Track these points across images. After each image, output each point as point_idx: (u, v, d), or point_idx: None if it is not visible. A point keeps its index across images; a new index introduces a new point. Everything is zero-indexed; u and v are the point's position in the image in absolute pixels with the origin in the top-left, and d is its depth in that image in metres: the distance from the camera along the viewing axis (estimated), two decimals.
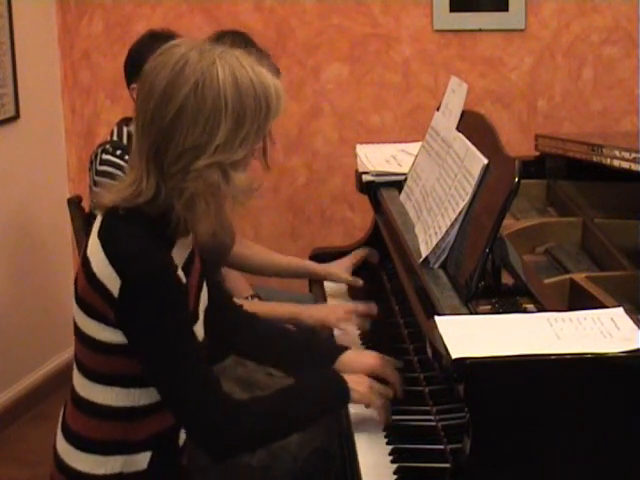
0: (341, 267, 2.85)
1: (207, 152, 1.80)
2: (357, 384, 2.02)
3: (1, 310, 3.79)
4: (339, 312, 2.54)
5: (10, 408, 3.86)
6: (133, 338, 1.86)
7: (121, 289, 1.82)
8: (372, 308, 2.56)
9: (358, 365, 2.14)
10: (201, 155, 1.80)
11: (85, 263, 1.88)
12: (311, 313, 2.57)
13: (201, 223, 1.86)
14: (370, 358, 2.18)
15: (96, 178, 2.98)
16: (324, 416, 2.07)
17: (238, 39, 2.62)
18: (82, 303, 1.90)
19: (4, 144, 3.78)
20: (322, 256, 3.01)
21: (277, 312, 2.60)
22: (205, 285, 2.07)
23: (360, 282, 2.80)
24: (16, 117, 3.82)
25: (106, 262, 1.83)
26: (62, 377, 1.99)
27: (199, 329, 1.96)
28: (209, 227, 1.88)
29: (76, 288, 1.92)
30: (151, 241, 1.85)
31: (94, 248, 1.87)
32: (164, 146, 1.81)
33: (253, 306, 2.70)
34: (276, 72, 2.61)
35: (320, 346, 2.26)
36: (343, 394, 2.01)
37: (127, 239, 1.85)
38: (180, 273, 1.87)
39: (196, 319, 1.95)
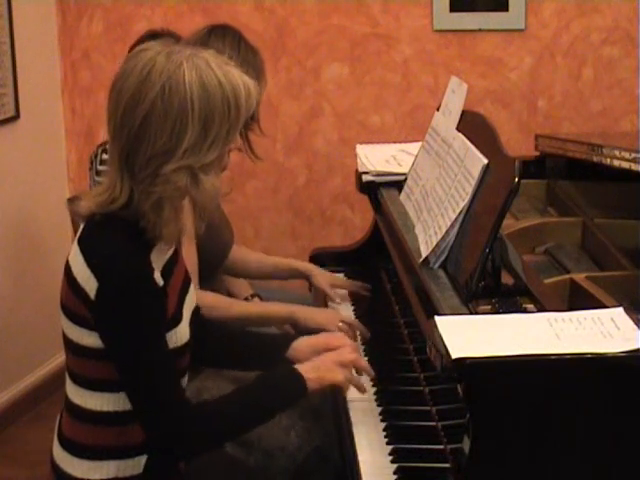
0: (328, 278, 2.80)
1: (175, 156, 1.80)
2: (310, 372, 2.00)
3: (1, 310, 3.79)
4: (338, 320, 2.50)
5: (10, 408, 3.85)
6: (105, 338, 1.87)
7: (97, 291, 1.83)
8: (367, 333, 2.50)
9: (307, 348, 2.14)
10: (170, 159, 1.80)
11: (67, 269, 1.90)
12: (309, 315, 2.53)
13: (167, 227, 1.85)
14: (318, 337, 2.19)
15: (96, 178, 2.98)
16: (285, 410, 2.08)
17: (229, 33, 2.63)
18: (66, 310, 1.92)
19: (4, 144, 3.78)
20: (322, 256, 3.00)
21: (274, 311, 2.60)
22: (192, 286, 2.06)
23: (338, 300, 2.75)
24: (16, 117, 3.82)
25: (85, 266, 1.85)
26: (62, 377, 2.00)
27: (183, 330, 1.95)
28: (175, 231, 1.88)
29: (61, 294, 1.93)
30: (127, 244, 1.85)
31: (74, 254, 1.89)
32: (134, 151, 1.81)
33: (250, 306, 2.69)
34: (261, 67, 2.62)
35: (270, 339, 2.26)
36: (300, 387, 1.99)
37: (103, 242, 1.86)
38: (157, 276, 1.87)
39: (179, 320, 1.94)
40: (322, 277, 2.81)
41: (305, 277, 2.85)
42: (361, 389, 2.09)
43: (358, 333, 2.50)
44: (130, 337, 1.84)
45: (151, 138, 1.79)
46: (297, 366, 2.02)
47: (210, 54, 1.85)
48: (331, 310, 2.66)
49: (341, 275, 2.93)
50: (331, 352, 2.09)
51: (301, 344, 2.16)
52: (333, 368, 2.04)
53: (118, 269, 1.83)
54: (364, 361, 2.15)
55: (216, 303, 2.49)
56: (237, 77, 1.84)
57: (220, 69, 1.82)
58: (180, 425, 1.89)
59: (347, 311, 2.72)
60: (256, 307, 2.67)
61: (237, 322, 2.52)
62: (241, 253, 2.91)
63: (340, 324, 2.49)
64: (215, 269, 2.70)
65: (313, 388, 2.00)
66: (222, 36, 2.62)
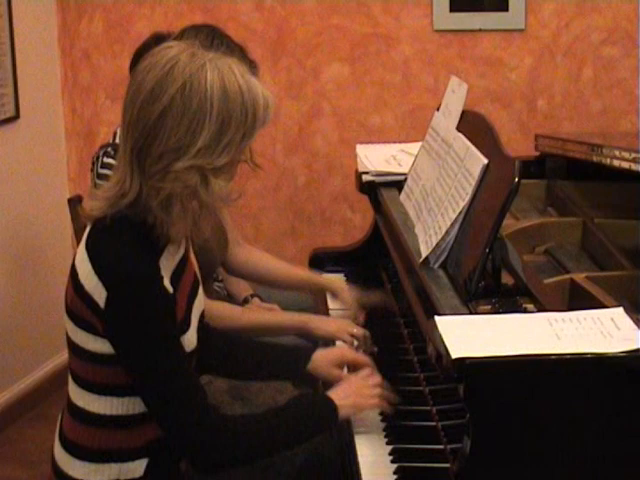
0: (349, 293, 2.70)
1: (188, 154, 1.79)
2: (343, 398, 2.02)
3: (1, 310, 3.79)
4: (349, 329, 2.46)
5: (10, 408, 3.85)
6: (119, 349, 1.85)
7: (107, 300, 1.81)
8: (374, 348, 2.48)
9: (325, 362, 2.19)
10: (182, 157, 1.79)
11: (73, 273, 1.88)
12: (321, 325, 2.49)
13: (175, 226, 1.85)
14: (333, 350, 2.27)
15: (97, 181, 2.97)
16: (314, 437, 2.06)
17: (203, 31, 2.61)
18: (71, 314, 1.90)
19: (4, 144, 3.78)
20: (322, 256, 3.00)
21: (286, 320, 2.55)
22: (200, 290, 2.05)
23: (360, 319, 2.64)
24: (16, 117, 3.82)
25: (92, 273, 1.83)
26: (62, 377, 2.00)
27: (191, 336, 1.94)
28: (183, 230, 1.88)
29: (66, 298, 1.91)
30: (137, 251, 1.83)
31: (81, 258, 1.87)
32: (147, 145, 1.81)
33: (261, 315, 2.65)
34: (251, 66, 2.61)
35: (288, 352, 2.26)
36: (332, 415, 2.00)
37: (112, 249, 1.84)
38: (167, 283, 1.86)
39: (188, 326, 1.93)
40: (348, 295, 2.70)
41: (323, 290, 2.78)
42: (393, 400, 2.11)
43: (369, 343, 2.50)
44: (143, 346, 1.83)
45: (166, 133, 1.79)
46: (330, 393, 2.04)
47: (234, 61, 1.86)
48: (342, 320, 2.60)
49: (341, 275, 2.92)
50: (355, 376, 2.13)
51: (317, 359, 2.19)
52: (365, 392, 2.07)
53: (127, 278, 1.81)
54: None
55: (226, 312, 2.48)
56: (258, 87, 1.85)
57: (242, 77, 1.83)
58: (204, 433, 1.87)
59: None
60: (267, 316, 2.63)
61: (248, 332, 2.50)
62: (260, 258, 2.88)
63: (355, 330, 2.47)
64: (205, 279, 2.68)
65: (347, 414, 2.03)
66: (195, 32, 2.60)
